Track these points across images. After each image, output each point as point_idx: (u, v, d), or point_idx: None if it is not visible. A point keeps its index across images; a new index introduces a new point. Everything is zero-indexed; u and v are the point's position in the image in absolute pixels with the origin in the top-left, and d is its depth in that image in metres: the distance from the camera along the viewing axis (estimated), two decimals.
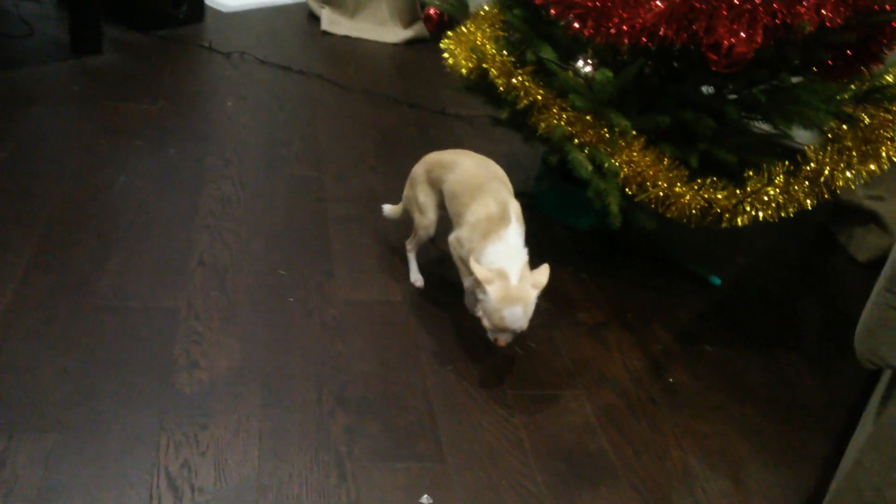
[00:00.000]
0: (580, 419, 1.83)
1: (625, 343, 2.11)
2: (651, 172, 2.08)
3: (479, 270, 1.73)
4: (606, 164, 2.08)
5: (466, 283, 2.00)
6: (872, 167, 1.97)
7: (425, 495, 1.57)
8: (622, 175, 2.09)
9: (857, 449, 1.50)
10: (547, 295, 2.24)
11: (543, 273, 1.78)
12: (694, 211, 2.07)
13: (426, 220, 2.08)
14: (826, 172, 1.99)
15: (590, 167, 2.10)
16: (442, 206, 2.06)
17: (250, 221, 2.33)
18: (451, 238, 1.97)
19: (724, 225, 2.08)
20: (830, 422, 1.95)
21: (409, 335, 2.00)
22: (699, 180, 2.08)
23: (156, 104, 2.94)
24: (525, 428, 1.78)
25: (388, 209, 2.31)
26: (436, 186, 2.05)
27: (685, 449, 1.79)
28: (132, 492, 1.46)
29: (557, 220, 2.62)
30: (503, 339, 1.78)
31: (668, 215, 2.10)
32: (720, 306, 2.36)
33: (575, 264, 2.42)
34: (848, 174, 1.99)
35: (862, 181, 1.99)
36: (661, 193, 2.07)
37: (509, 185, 1.99)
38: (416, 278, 2.18)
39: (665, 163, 2.09)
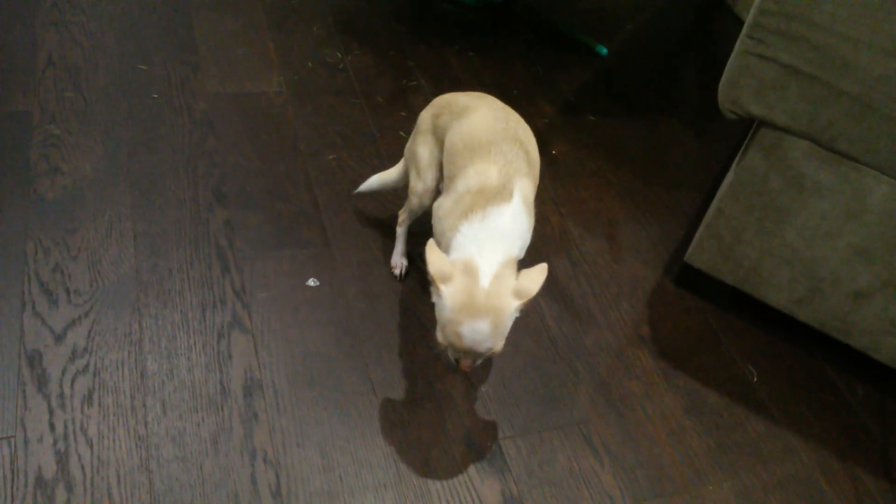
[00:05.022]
0: None
1: None
2: None
3: (435, 260, 1.19)
4: None
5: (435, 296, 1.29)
6: None
7: (312, 278, 1.59)
8: None
9: (719, 198, 1.57)
10: (432, 76, 2.18)
11: (536, 277, 1.20)
12: None
13: (421, 183, 1.50)
14: None
15: None
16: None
17: (100, 14, 2.11)
18: (435, 204, 1.41)
19: None
20: (701, 180, 2.04)
21: (286, 126, 1.92)
22: None
23: None
24: None
25: (375, 179, 1.69)
26: (440, 138, 1.46)
27: (563, 215, 1.85)
28: (2, 302, 1.42)
29: None
30: (467, 362, 1.23)
31: None
32: (605, 76, 2.34)
33: (461, 42, 2.33)
34: None
35: None
36: None
37: (534, 156, 1.40)
38: (396, 262, 1.64)
39: None
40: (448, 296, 1.17)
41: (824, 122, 1.33)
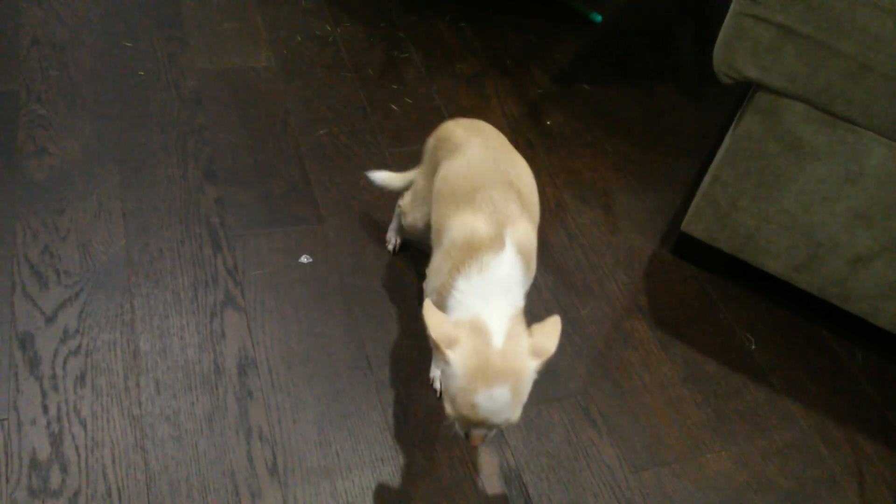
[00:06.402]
0: None
1: (503, 90, 2.07)
2: None
3: (436, 323, 1.04)
4: None
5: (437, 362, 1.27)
6: None
7: (305, 255, 1.57)
8: None
9: (715, 165, 1.55)
10: (423, 47, 2.15)
11: (551, 332, 1.06)
12: None
13: (411, 215, 1.45)
14: None
15: None
16: None
17: None
18: (425, 283, 1.29)
19: None
20: (698, 147, 2.01)
21: (276, 101, 1.89)
22: None
23: None
24: None
25: (386, 176, 1.58)
26: (436, 171, 1.35)
27: (559, 186, 1.83)
28: None
29: None
30: (479, 436, 1.06)
31: None
32: (600, 44, 2.31)
33: (452, 12, 2.29)
34: None
35: None
36: None
37: (530, 196, 1.25)
38: (390, 237, 1.61)
39: None
40: (458, 362, 1.02)
41: (821, 83, 1.30)
